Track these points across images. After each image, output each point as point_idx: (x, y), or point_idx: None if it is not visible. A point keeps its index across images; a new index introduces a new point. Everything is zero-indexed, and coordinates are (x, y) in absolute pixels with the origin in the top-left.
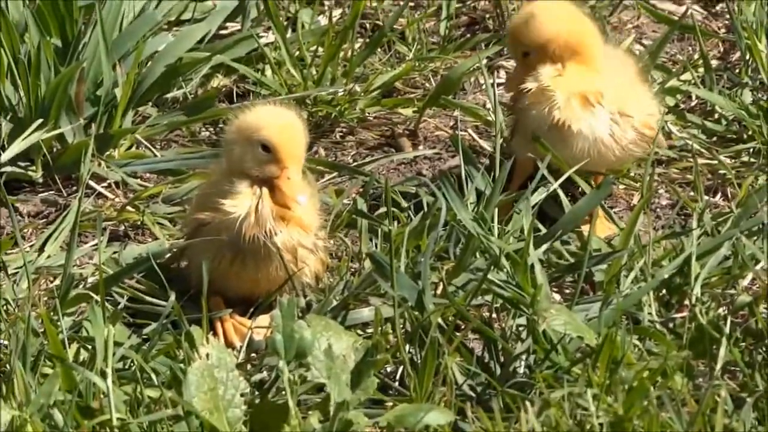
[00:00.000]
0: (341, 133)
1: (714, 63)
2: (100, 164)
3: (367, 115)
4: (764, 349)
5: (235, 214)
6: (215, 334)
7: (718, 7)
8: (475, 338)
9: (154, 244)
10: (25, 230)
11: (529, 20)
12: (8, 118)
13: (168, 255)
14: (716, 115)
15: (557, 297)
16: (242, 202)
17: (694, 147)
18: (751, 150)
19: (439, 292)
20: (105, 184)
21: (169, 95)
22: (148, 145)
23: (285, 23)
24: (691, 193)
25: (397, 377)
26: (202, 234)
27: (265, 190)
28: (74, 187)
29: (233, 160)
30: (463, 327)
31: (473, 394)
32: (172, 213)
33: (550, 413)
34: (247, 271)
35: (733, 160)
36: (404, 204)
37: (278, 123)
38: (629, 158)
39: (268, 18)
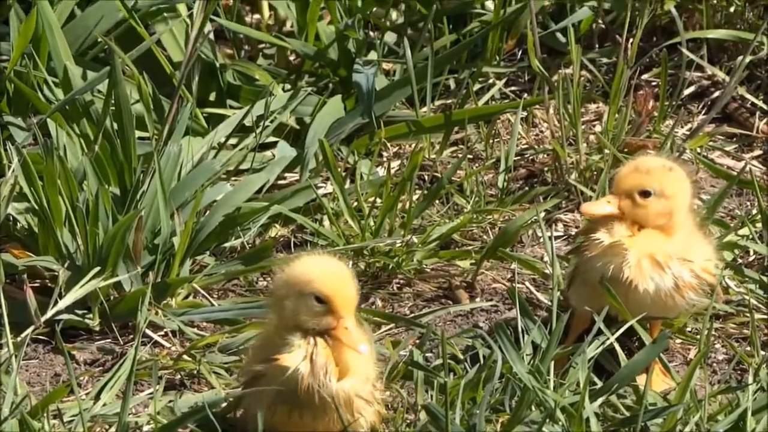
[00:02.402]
0: (398, 285)
1: None
2: (157, 313)
3: (424, 266)
4: None
5: (291, 365)
6: None
7: None
8: None
9: (210, 393)
10: (81, 378)
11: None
12: (66, 265)
13: (224, 404)
14: None
15: None
16: (297, 353)
17: (751, 302)
18: None
19: None
20: (161, 333)
21: (227, 244)
22: (205, 294)
23: (343, 174)
24: (748, 348)
25: None
26: (258, 384)
27: (320, 340)
28: (131, 335)
29: (286, 313)
30: None
31: None
32: (228, 362)
33: None
34: (304, 423)
35: None
36: (460, 356)
37: (329, 273)
38: (688, 308)
39: (327, 169)
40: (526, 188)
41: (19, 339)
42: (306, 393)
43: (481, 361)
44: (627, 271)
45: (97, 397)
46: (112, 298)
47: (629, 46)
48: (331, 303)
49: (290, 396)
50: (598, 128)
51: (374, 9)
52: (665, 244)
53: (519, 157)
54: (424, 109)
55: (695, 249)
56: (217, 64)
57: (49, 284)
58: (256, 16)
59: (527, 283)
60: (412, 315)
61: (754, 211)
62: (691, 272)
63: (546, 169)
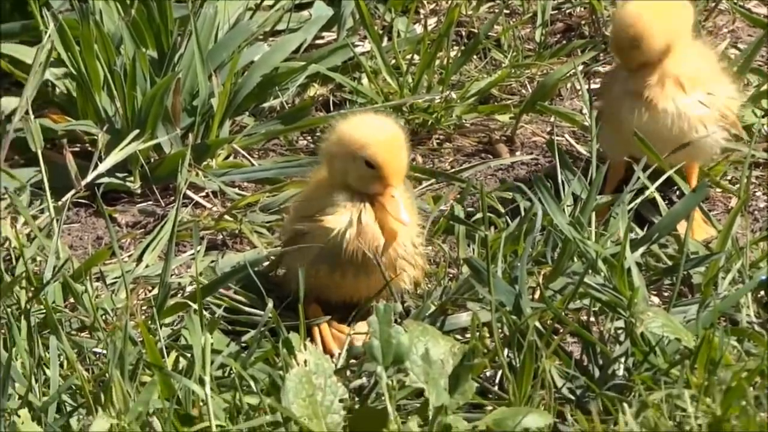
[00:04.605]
0: (438, 140)
1: None
2: (197, 174)
3: (463, 121)
4: None
5: (337, 227)
6: (313, 341)
7: None
8: (573, 342)
9: (251, 252)
10: (123, 240)
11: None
12: (105, 129)
13: (265, 263)
14: None
15: (655, 300)
16: (344, 215)
17: None
18: None
19: (536, 296)
20: (202, 194)
21: (266, 105)
22: (246, 154)
23: (380, 32)
24: None
25: (496, 381)
26: (300, 242)
27: (367, 204)
28: (172, 197)
29: (335, 171)
30: (560, 331)
31: (572, 397)
32: (269, 222)
33: (649, 415)
34: (346, 281)
35: None
36: (501, 209)
37: (383, 140)
38: (715, 151)
39: (364, 27)
40: (564, 42)
41: (60, 203)
42: (350, 255)
43: (522, 214)
44: (648, 91)
45: (139, 259)
46: (152, 160)
47: None
48: (380, 170)
49: (333, 255)
50: None
51: None
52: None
53: (556, 11)
54: None
55: (718, 84)
56: None
57: (89, 148)
58: None
59: (566, 136)
60: (453, 170)
61: None
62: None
63: (583, 22)
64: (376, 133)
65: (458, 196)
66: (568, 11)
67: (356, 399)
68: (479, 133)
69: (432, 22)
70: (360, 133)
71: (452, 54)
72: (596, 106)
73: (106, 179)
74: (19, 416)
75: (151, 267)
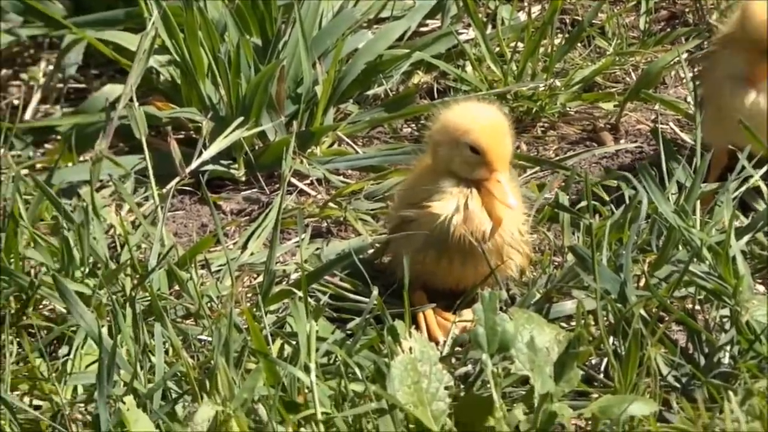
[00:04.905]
0: (542, 128)
1: None
2: (301, 161)
3: (568, 109)
4: None
5: (444, 213)
6: (418, 328)
7: None
8: (678, 330)
9: (356, 240)
10: (228, 228)
11: None
12: (209, 116)
13: (370, 251)
14: None
15: (760, 288)
16: (450, 201)
17: None
18: None
19: (641, 284)
20: (307, 182)
21: (370, 92)
22: (350, 142)
23: (484, 20)
24: None
25: (601, 369)
26: (407, 229)
27: (473, 190)
28: (276, 185)
29: (440, 159)
30: (665, 319)
31: (677, 385)
32: (374, 209)
33: (754, 403)
34: (452, 268)
35: None
36: (606, 197)
37: (487, 125)
38: None
39: (468, 14)
40: (668, 29)
41: (164, 190)
42: (457, 241)
43: (627, 202)
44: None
45: (244, 247)
46: (256, 147)
47: None
48: (485, 155)
49: (440, 242)
50: None
51: None
52: None
53: None
54: None
55: None
56: None
57: (194, 135)
58: None
59: (671, 124)
60: (557, 158)
61: None
62: None
63: (687, 10)
64: (479, 119)
65: (563, 184)
66: None
67: (461, 386)
68: (583, 121)
69: (536, 9)
70: (463, 119)
71: (556, 42)
72: (699, 93)
73: (210, 166)
74: (124, 403)
75: (256, 254)
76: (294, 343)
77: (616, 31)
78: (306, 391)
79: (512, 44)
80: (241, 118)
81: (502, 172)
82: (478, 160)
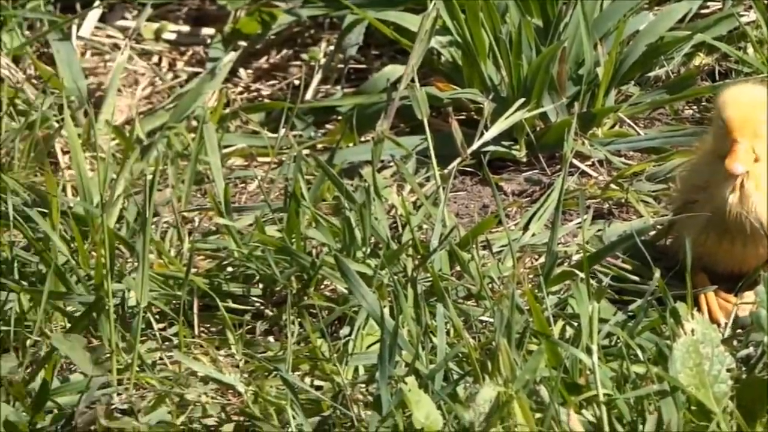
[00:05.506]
0: None
1: None
2: (583, 143)
3: None
4: None
5: (722, 194)
6: (700, 310)
7: None
8: None
9: (637, 221)
10: (509, 209)
11: None
12: (491, 97)
13: (652, 232)
14: None
15: None
16: (726, 182)
17: None
18: None
19: None
20: (588, 163)
21: (651, 74)
22: (631, 123)
23: (766, 2)
24: None
25: None
26: (688, 211)
27: (749, 171)
28: (557, 166)
29: (716, 140)
30: None
31: None
32: (655, 191)
33: None
34: (734, 250)
35: None
36: None
37: (736, 96)
38: None
39: None
40: None
41: (445, 171)
42: (734, 221)
43: None
44: None
45: (525, 228)
46: (537, 129)
47: None
48: (726, 125)
49: (721, 223)
50: None
51: None
52: None
53: None
54: None
55: None
56: None
57: (474, 116)
58: None
59: None
60: None
61: None
62: None
63: None
64: (736, 95)
65: None
66: None
67: (743, 369)
68: None
69: None
70: (724, 97)
71: None
72: None
73: (491, 147)
74: (406, 384)
75: (538, 235)
76: (576, 324)
77: None
78: (587, 372)
79: None
80: (522, 99)
81: (742, 142)
82: (725, 131)
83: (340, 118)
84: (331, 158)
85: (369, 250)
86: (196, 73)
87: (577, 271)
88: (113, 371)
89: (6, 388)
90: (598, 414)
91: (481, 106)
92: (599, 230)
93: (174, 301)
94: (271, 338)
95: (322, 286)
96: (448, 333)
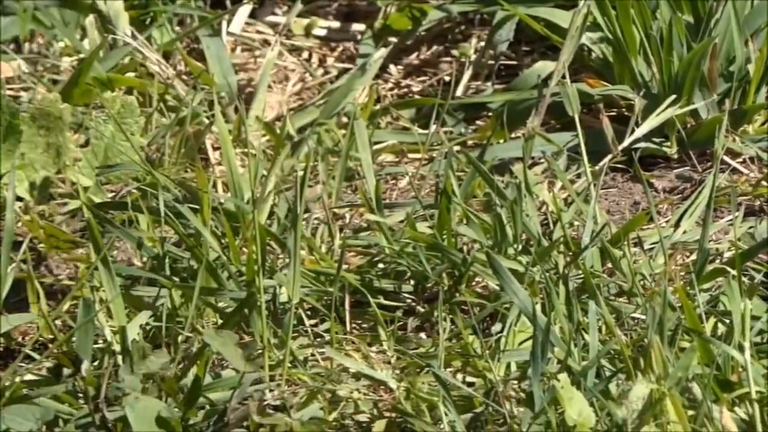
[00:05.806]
0: None
1: None
2: (734, 140)
3: None
4: None
5: None
6: None
7: None
8: None
9: None
10: (660, 206)
11: None
12: (641, 94)
13: None
14: None
15: None
16: None
17: None
18: None
19: None
20: (739, 160)
21: None
22: None
23: None
24: None
25: None
26: None
27: None
28: (708, 163)
29: None
30: None
31: None
32: None
33: None
34: None
35: None
36: None
37: None
38: None
39: None
40: None
41: (597, 168)
42: None
43: None
44: None
45: (676, 225)
46: (688, 125)
47: None
48: None
49: None
50: None
51: None
52: None
53: None
54: None
55: None
56: None
57: (625, 113)
58: None
59: None
60: None
61: None
62: None
63: None
64: None
65: None
66: None
67: None
68: None
69: None
70: None
71: None
72: None
73: (642, 144)
74: (558, 380)
75: (689, 232)
76: (727, 321)
77: None
78: (740, 369)
79: None
80: (673, 96)
81: None
82: None
83: (490, 114)
84: (481, 154)
85: (520, 246)
86: (347, 69)
87: (728, 269)
88: (265, 367)
89: (158, 384)
90: (750, 411)
91: (632, 102)
92: (751, 227)
93: (325, 298)
94: (422, 335)
95: (474, 283)
96: (600, 330)
